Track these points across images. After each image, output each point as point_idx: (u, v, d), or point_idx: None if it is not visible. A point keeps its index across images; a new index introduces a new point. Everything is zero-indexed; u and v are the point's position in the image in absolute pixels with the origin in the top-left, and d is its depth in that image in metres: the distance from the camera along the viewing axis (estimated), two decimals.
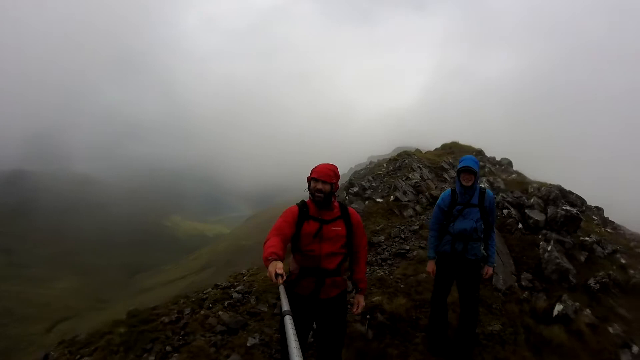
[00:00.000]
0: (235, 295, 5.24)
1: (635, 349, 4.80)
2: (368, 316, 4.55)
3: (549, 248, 6.32)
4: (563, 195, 8.36)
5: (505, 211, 7.53)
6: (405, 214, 8.24)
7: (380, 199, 8.66)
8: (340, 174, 2.92)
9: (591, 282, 6.00)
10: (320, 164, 2.96)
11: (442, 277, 4.03)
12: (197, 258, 47.83)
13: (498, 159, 15.76)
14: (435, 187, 10.15)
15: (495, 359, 4.13)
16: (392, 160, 11.96)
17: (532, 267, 6.20)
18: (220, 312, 4.63)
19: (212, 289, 5.68)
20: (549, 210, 7.50)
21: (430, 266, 4.08)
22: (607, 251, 7.03)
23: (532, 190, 8.55)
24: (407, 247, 6.66)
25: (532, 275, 6.00)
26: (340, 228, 2.85)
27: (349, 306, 3.40)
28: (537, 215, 7.35)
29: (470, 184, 3.74)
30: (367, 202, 8.69)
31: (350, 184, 10.71)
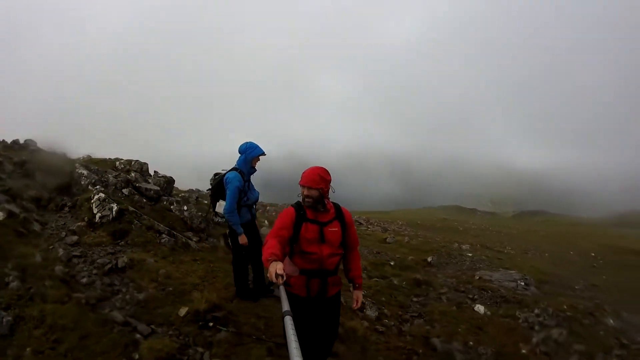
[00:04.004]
0: None
1: None
2: (211, 324, 4.14)
3: (185, 207, 7.78)
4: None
5: (125, 190, 7.49)
6: (36, 228, 5.55)
7: None
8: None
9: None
10: (308, 168, 2.90)
11: (249, 240, 4.72)
12: None
13: (22, 142, 13.14)
14: None
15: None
16: None
17: (188, 227, 7.36)
18: None
19: None
20: (150, 180, 8.56)
21: (244, 239, 4.64)
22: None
23: (121, 166, 8.72)
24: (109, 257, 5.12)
25: (191, 232, 7.23)
26: (337, 229, 2.90)
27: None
28: (152, 187, 8.13)
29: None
30: None
31: None
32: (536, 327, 5.34)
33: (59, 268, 4.41)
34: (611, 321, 5.92)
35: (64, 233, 5.49)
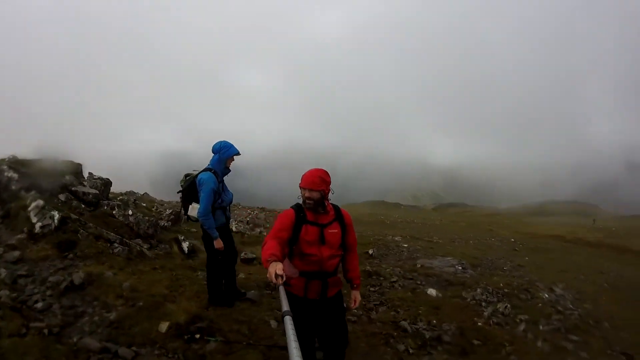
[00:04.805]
0: None
1: None
2: (197, 335, 3.97)
3: (130, 212, 7.51)
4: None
5: (61, 196, 6.77)
6: None
7: None
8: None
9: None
10: (308, 171, 2.87)
11: (224, 244, 4.57)
12: None
13: None
14: None
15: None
16: None
17: (135, 233, 7.14)
18: None
19: None
20: (85, 183, 7.94)
21: (220, 243, 4.47)
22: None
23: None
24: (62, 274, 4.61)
25: (139, 238, 6.97)
26: (336, 230, 2.89)
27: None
28: (89, 190, 7.53)
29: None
30: None
31: None
32: (483, 304, 6.13)
33: (5, 293, 3.75)
34: (546, 295, 7.04)
35: (2, 249, 4.71)
